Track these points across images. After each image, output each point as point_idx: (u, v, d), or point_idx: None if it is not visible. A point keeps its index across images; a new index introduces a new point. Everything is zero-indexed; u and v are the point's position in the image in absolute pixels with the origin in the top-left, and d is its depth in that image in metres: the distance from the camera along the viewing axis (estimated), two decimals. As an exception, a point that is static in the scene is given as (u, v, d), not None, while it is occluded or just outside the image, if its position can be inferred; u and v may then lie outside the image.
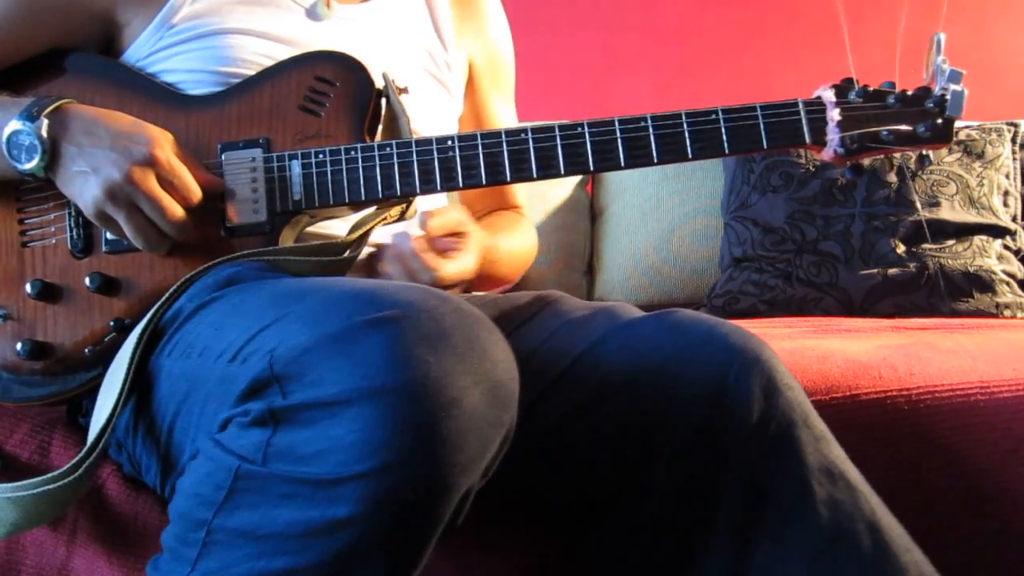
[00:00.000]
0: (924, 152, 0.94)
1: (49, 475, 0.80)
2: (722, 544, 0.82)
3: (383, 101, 0.99)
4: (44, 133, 0.88)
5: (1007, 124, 1.89)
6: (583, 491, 0.89)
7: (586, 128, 0.93)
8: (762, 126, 0.93)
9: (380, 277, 0.95)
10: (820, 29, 2.37)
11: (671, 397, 0.85)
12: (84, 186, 0.88)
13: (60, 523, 0.94)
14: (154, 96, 0.98)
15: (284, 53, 1.00)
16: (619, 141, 0.93)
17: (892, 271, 1.73)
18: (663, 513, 0.85)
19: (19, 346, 0.93)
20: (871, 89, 0.94)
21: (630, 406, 0.86)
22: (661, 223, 2.01)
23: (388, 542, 0.64)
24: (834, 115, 0.92)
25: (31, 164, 0.89)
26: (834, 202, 1.80)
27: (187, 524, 0.71)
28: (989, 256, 1.74)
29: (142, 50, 1.01)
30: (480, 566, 0.94)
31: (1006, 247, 1.78)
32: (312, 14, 1.04)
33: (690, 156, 0.93)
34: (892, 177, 1.77)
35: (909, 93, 0.94)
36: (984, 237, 1.76)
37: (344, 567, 0.64)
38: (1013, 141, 1.87)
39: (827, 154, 0.94)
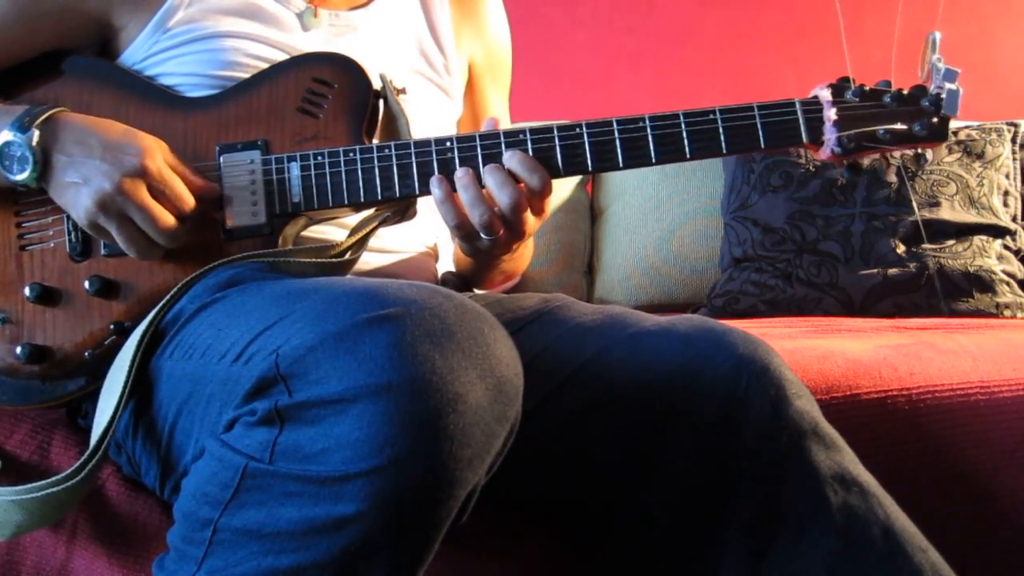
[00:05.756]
0: (920, 151, 0.95)
1: (53, 478, 0.80)
2: (735, 554, 0.82)
3: (381, 102, 0.99)
4: (35, 144, 0.88)
5: (1007, 124, 1.89)
6: (588, 496, 0.89)
7: (584, 129, 0.93)
8: (759, 126, 0.93)
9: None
10: (818, 28, 2.37)
11: (680, 408, 0.85)
12: (76, 197, 0.88)
13: (60, 523, 0.94)
14: (151, 98, 0.98)
15: (280, 58, 1.00)
16: (617, 142, 0.93)
17: (892, 271, 1.73)
18: (672, 523, 0.85)
19: (18, 350, 0.93)
20: (867, 88, 0.94)
21: (637, 415, 0.86)
22: (661, 223, 2.01)
23: (394, 539, 0.64)
24: (831, 114, 0.93)
25: (23, 175, 0.89)
26: (834, 202, 1.80)
27: (192, 523, 0.71)
28: (989, 256, 1.74)
29: (138, 53, 1.00)
30: (485, 569, 0.94)
31: (1006, 247, 1.78)
32: (303, 23, 1.04)
33: (688, 156, 0.93)
34: (892, 177, 1.77)
35: (905, 92, 0.94)
36: (984, 237, 1.76)
37: (349, 565, 0.64)
38: (1013, 141, 1.87)
39: (824, 153, 0.94)
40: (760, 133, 0.93)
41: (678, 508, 0.85)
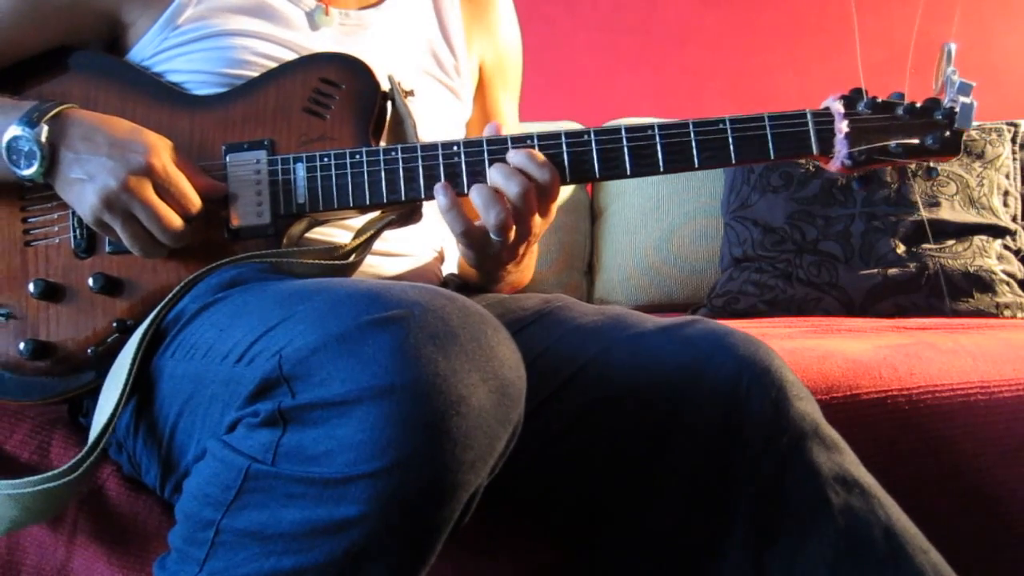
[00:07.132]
0: (931, 164, 0.93)
1: (49, 473, 0.80)
2: (737, 555, 0.82)
3: (388, 104, 0.99)
4: (43, 139, 0.88)
5: (1007, 124, 1.89)
6: (589, 496, 0.89)
7: (592, 136, 0.92)
8: (770, 136, 0.92)
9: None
10: (820, 29, 2.37)
11: (680, 409, 0.85)
12: (81, 193, 0.88)
13: (60, 523, 0.94)
14: (158, 95, 0.98)
15: (289, 56, 1.00)
16: (625, 150, 0.92)
17: (892, 271, 1.73)
18: (673, 524, 0.85)
19: (22, 345, 0.93)
20: (880, 100, 0.92)
21: (638, 416, 0.86)
22: (661, 223, 2.01)
23: (396, 541, 0.64)
24: (842, 127, 0.91)
25: (30, 170, 0.89)
26: (834, 202, 1.80)
27: (194, 524, 0.71)
28: (989, 256, 1.75)
29: (147, 50, 1.00)
30: (486, 570, 0.94)
31: (1006, 247, 1.78)
32: (313, 22, 1.04)
33: (696, 165, 0.92)
34: (892, 177, 1.78)
35: (918, 105, 0.92)
36: (984, 237, 1.77)
37: (352, 567, 0.64)
38: (1013, 141, 1.87)
39: (834, 165, 0.93)
40: (770, 144, 0.91)
41: (679, 509, 0.85)
